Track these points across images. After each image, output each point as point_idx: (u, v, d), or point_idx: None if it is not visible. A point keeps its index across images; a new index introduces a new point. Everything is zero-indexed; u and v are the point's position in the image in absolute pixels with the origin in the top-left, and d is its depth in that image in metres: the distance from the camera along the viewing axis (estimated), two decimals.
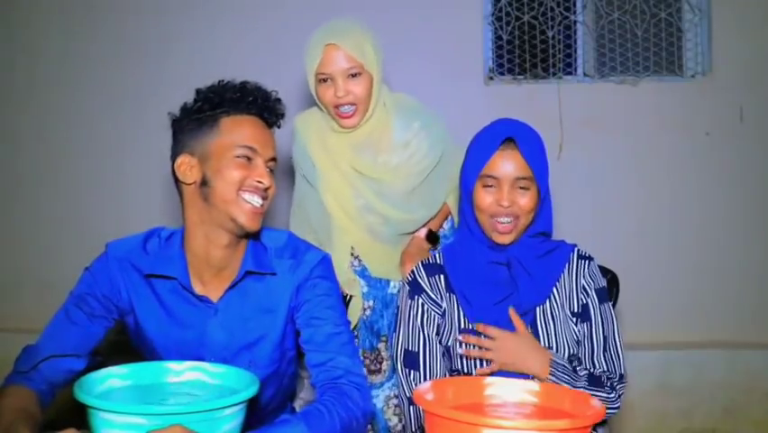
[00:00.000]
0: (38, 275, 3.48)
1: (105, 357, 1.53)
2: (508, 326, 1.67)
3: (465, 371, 1.69)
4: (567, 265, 1.75)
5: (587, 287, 1.73)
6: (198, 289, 1.56)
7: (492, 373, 1.64)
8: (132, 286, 1.57)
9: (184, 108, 1.56)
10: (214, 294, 1.57)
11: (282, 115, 1.60)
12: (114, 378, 1.30)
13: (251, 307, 1.58)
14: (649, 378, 3.16)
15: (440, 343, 1.74)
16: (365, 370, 2.10)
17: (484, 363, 1.67)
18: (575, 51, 3.42)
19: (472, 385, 1.31)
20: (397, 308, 1.87)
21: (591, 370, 1.67)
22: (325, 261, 1.64)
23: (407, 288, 1.79)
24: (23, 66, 3.55)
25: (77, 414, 1.19)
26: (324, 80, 1.99)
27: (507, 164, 1.67)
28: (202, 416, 1.15)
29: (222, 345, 1.57)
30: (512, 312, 1.68)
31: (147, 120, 3.20)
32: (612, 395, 1.64)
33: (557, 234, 1.82)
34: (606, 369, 1.68)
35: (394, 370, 1.99)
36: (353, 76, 1.98)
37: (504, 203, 1.66)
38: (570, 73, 3.42)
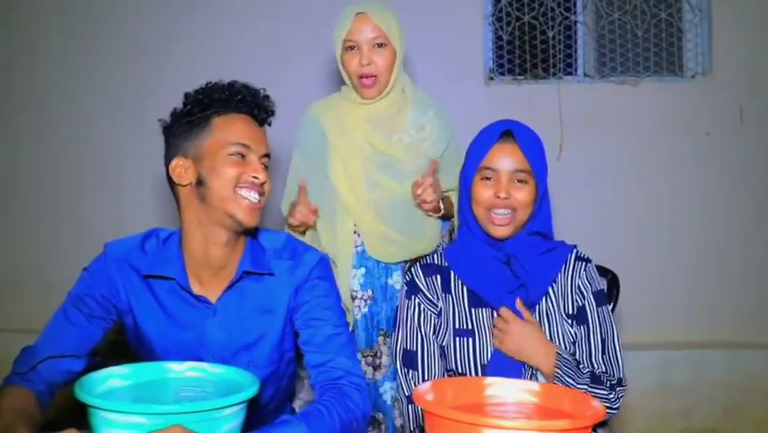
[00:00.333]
0: (38, 275, 3.48)
1: (105, 357, 1.53)
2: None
3: (460, 371, 1.70)
4: (564, 266, 1.75)
5: (583, 289, 1.73)
6: (197, 289, 1.56)
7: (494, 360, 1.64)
8: (131, 286, 1.57)
9: (174, 113, 1.57)
10: (213, 294, 1.57)
11: (272, 112, 1.61)
12: (114, 378, 1.30)
13: (250, 307, 1.58)
14: (649, 378, 3.16)
15: (437, 342, 1.75)
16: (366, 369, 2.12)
17: (479, 365, 1.68)
18: (575, 52, 3.42)
19: (472, 385, 1.31)
20: (398, 307, 1.87)
21: (592, 369, 1.67)
22: (324, 262, 1.64)
23: (405, 288, 1.80)
24: (23, 66, 3.55)
25: (78, 414, 1.19)
26: (351, 48, 2.11)
27: (505, 157, 1.70)
28: (202, 416, 1.15)
29: (221, 346, 1.57)
30: (519, 303, 1.68)
31: (147, 120, 3.15)
32: (611, 395, 1.64)
33: (557, 235, 1.83)
34: (605, 372, 1.68)
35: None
36: (378, 46, 2.09)
37: (501, 194, 1.68)
38: (570, 73, 3.42)
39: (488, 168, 1.71)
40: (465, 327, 1.71)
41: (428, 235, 2.16)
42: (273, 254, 1.60)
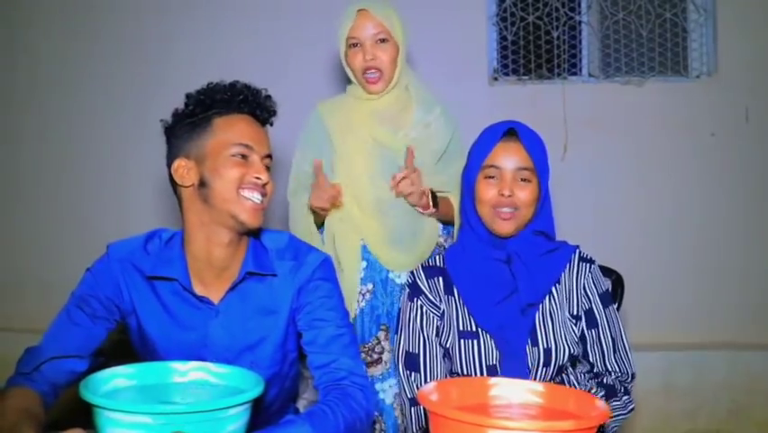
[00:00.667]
0: (40, 275, 3.48)
1: (109, 357, 1.53)
2: (510, 324, 1.68)
3: (465, 373, 1.69)
4: (568, 266, 1.75)
5: (589, 291, 1.73)
6: (199, 290, 1.56)
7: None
8: (134, 287, 1.57)
9: (176, 114, 1.57)
10: (216, 295, 1.57)
11: (274, 112, 1.61)
12: (119, 378, 1.30)
13: (252, 308, 1.58)
14: (652, 379, 3.15)
15: (440, 345, 1.74)
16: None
17: (484, 367, 1.67)
18: (580, 52, 3.42)
19: (477, 386, 1.31)
20: (400, 309, 1.87)
21: (602, 379, 1.68)
22: (327, 262, 1.64)
23: (407, 290, 1.81)
24: (25, 66, 3.56)
25: (82, 414, 1.19)
26: (354, 45, 2.14)
27: (509, 155, 1.71)
28: (207, 415, 1.15)
29: (223, 347, 1.57)
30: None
31: (148, 120, 3.16)
32: (626, 398, 1.66)
33: (560, 234, 1.83)
34: (618, 370, 1.70)
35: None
36: (381, 41, 2.12)
37: (505, 192, 1.69)
38: (574, 74, 3.42)
39: (491, 166, 1.71)
40: (469, 328, 1.71)
41: (427, 234, 2.16)
42: (276, 255, 1.60)
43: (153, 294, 1.57)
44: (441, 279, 1.78)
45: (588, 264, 1.76)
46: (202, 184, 1.51)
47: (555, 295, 1.73)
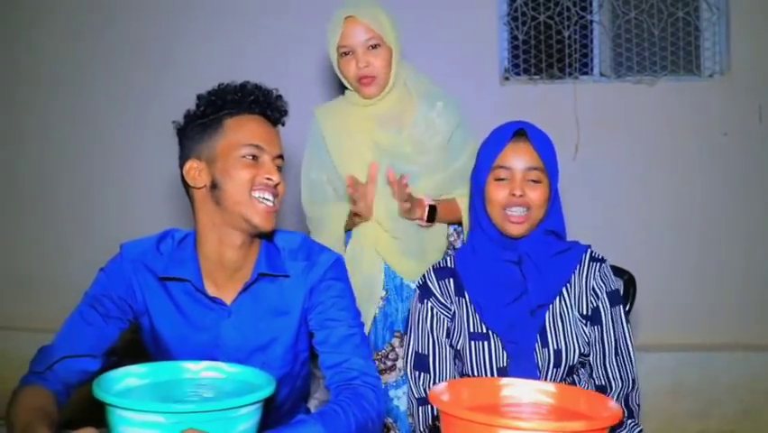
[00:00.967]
0: (48, 275, 3.50)
1: (121, 357, 1.54)
2: (519, 325, 1.67)
3: (475, 374, 1.69)
4: (578, 266, 1.74)
5: (597, 289, 1.72)
6: (212, 291, 1.57)
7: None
8: (147, 287, 1.58)
9: (187, 115, 1.57)
10: (228, 296, 1.57)
11: (285, 112, 1.61)
12: (132, 377, 1.31)
13: (265, 309, 1.58)
14: (662, 380, 3.13)
15: (450, 346, 1.74)
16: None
17: (494, 368, 1.67)
18: (591, 51, 3.41)
19: (488, 386, 1.31)
20: (410, 310, 1.87)
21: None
22: (339, 262, 1.64)
23: (418, 291, 1.80)
24: (27, 67, 3.57)
25: (95, 413, 1.20)
26: (346, 53, 2.11)
27: (519, 155, 1.70)
28: (218, 415, 1.15)
29: (235, 347, 1.57)
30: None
31: (152, 120, 3.21)
32: (631, 422, 1.65)
33: (571, 234, 1.82)
34: (618, 376, 1.68)
35: None
36: (373, 47, 2.08)
37: (516, 192, 1.68)
38: (586, 73, 3.41)
39: (501, 167, 1.71)
40: (480, 330, 1.71)
41: (436, 242, 2.14)
42: (289, 255, 1.60)
43: (166, 294, 1.58)
44: (452, 280, 1.78)
45: (598, 263, 1.75)
46: (214, 186, 1.51)
47: (566, 296, 1.72)
